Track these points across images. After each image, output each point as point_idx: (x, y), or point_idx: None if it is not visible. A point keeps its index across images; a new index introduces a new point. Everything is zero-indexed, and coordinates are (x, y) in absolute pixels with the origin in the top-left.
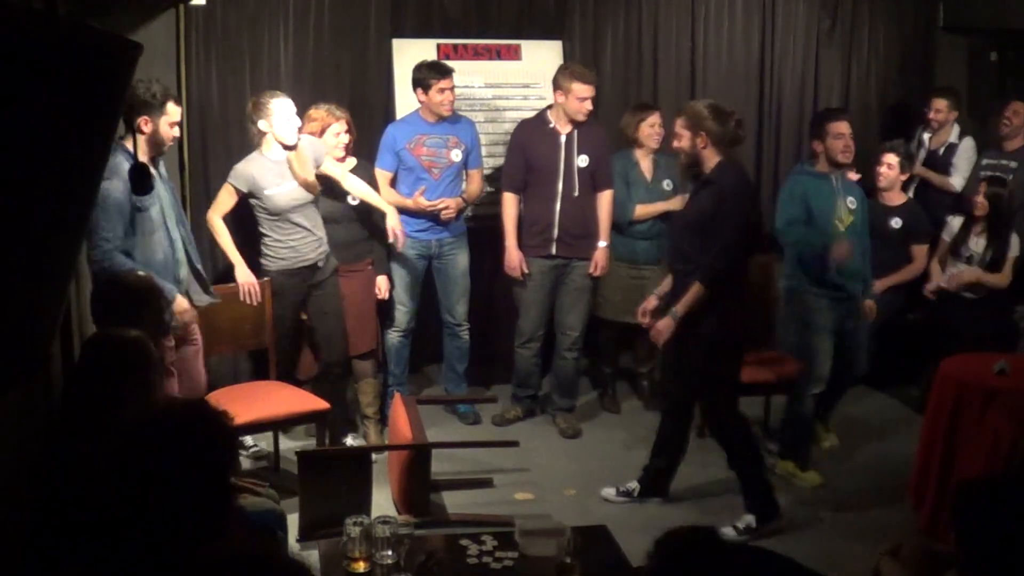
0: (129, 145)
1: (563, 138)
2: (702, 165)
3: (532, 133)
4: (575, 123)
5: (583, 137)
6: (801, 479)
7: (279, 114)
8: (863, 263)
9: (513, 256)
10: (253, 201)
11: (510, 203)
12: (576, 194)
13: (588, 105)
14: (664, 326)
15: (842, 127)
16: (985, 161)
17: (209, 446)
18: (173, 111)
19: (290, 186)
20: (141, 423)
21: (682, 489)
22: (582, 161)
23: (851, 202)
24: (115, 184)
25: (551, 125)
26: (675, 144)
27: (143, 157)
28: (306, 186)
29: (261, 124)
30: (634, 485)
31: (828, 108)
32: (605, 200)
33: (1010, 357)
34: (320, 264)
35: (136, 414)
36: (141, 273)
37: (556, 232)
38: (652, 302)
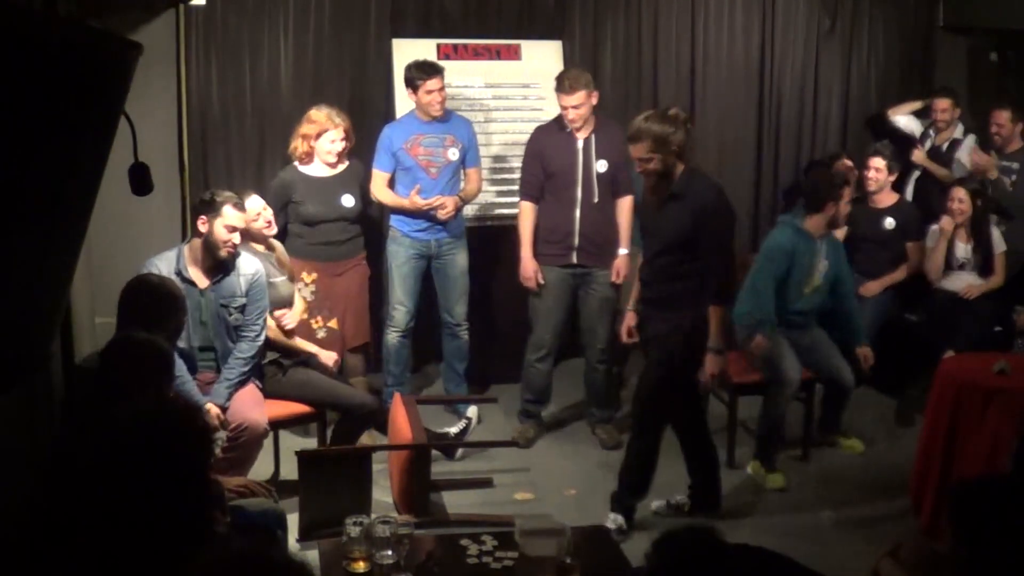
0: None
1: (580, 143)
2: (671, 180)
3: (548, 139)
4: (593, 127)
5: (602, 141)
6: (767, 480)
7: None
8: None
9: (528, 266)
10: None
11: (527, 212)
12: (596, 200)
13: (575, 113)
14: (713, 367)
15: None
16: None
17: (180, 445)
18: (229, 215)
19: (283, 277)
20: (119, 424)
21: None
22: (601, 166)
23: (824, 266)
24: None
25: (568, 130)
26: (642, 169)
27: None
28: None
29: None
30: (684, 500)
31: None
32: (625, 206)
33: (1010, 357)
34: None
35: (116, 415)
36: (167, 279)
37: (577, 240)
38: (632, 319)
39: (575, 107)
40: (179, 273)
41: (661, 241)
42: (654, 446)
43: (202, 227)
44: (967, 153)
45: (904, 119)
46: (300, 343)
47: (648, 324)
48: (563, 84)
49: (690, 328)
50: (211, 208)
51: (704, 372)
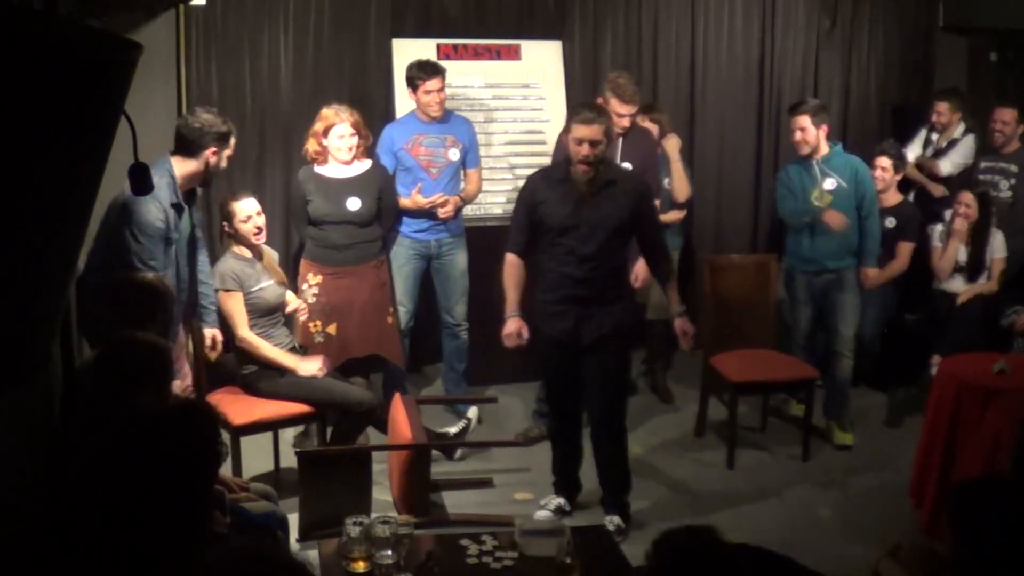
0: (175, 166)
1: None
2: (600, 169)
3: None
4: (622, 130)
5: (629, 145)
6: (838, 436)
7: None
8: (848, 240)
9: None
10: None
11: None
12: None
13: (624, 122)
14: (688, 327)
15: (793, 123)
16: (984, 164)
17: (182, 445)
18: (232, 144)
19: (271, 282)
20: (128, 422)
21: (681, 489)
22: (625, 168)
23: (830, 183)
24: (154, 209)
25: None
26: (589, 154)
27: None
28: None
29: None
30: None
31: (793, 103)
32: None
33: (1010, 357)
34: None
35: (126, 413)
36: (153, 275)
37: None
38: (518, 323)
39: (629, 116)
40: (175, 204)
41: (605, 230)
42: (627, 441)
43: (212, 158)
44: (961, 150)
45: (915, 146)
46: (274, 355)
47: (587, 324)
48: (624, 92)
49: (630, 321)
50: (224, 140)
51: (685, 335)
